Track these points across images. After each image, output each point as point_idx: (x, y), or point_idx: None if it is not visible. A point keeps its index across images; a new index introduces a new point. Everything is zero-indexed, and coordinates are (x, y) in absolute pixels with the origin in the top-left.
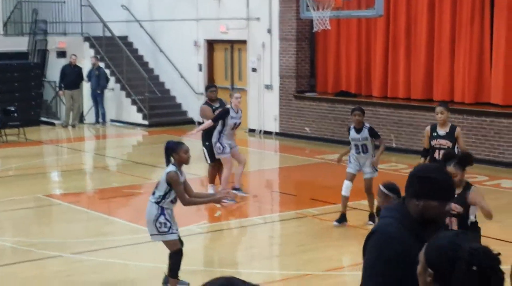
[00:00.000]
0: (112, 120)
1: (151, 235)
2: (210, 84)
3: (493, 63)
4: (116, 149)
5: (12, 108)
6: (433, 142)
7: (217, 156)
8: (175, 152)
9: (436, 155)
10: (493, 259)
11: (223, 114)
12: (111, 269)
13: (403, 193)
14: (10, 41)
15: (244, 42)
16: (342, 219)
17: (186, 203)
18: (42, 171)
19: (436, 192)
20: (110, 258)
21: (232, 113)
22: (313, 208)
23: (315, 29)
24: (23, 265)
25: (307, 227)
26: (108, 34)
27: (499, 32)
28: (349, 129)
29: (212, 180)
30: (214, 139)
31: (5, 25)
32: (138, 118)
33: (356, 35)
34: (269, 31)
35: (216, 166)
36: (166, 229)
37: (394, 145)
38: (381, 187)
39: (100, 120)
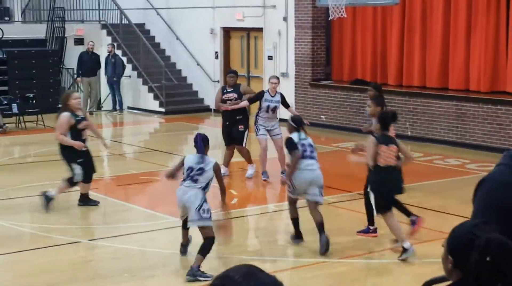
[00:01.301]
0: (129, 108)
1: (191, 221)
2: (231, 69)
3: (509, 51)
4: (133, 136)
5: (31, 95)
6: None
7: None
8: (208, 144)
9: None
10: (508, 251)
11: (258, 96)
12: (129, 256)
13: None
14: (29, 28)
15: (260, 29)
16: None
17: (225, 188)
18: (60, 158)
19: None
20: (128, 245)
21: (266, 96)
22: (328, 196)
23: (331, 17)
24: (42, 251)
25: (322, 215)
26: (125, 21)
27: None
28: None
29: (226, 163)
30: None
31: (23, 12)
32: (155, 105)
33: (372, 23)
34: (285, 19)
35: (229, 149)
36: (208, 215)
37: (409, 133)
38: (288, 118)
39: (117, 107)
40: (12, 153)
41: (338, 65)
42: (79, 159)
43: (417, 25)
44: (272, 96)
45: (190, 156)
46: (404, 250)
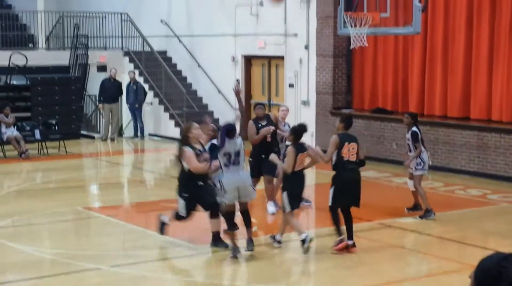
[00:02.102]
0: (150, 134)
1: (250, 196)
2: (257, 102)
3: None
4: (154, 163)
5: (53, 121)
6: None
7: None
8: (235, 130)
9: None
10: None
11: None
12: (148, 283)
13: None
14: (52, 55)
15: (281, 58)
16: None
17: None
18: (82, 184)
19: None
20: (147, 272)
21: (280, 126)
22: None
23: (352, 46)
24: (62, 277)
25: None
26: (147, 48)
27: None
28: None
29: (271, 196)
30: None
31: (47, 39)
32: (175, 132)
33: (393, 52)
34: (307, 47)
35: (255, 181)
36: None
37: (430, 163)
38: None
39: (139, 134)
40: (34, 179)
41: (359, 94)
42: (195, 191)
43: (439, 54)
44: (284, 126)
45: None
46: (303, 241)
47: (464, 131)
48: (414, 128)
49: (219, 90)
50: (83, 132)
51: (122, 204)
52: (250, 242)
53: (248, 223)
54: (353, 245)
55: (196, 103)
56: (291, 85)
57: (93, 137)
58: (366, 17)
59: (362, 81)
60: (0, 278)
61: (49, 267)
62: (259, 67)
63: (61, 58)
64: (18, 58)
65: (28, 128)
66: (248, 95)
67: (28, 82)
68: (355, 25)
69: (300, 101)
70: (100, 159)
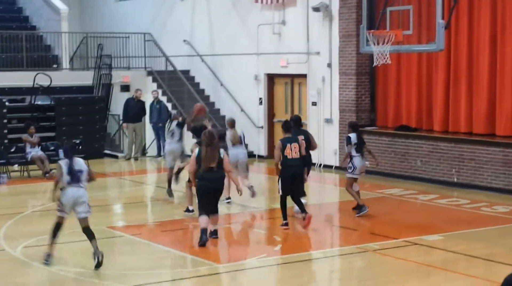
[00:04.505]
0: None
1: (83, 212)
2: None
3: None
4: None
5: (77, 141)
6: None
7: None
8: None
9: None
10: None
11: None
12: None
13: None
14: (76, 75)
15: (304, 76)
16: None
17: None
18: (105, 204)
19: None
20: None
21: None
22: (374, 243)
23: (375, 64)
24: None
25: (367, 262)
26: (170, 68)
27: None
28: None
29: None
30: None
31: (71, 59)
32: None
33: (417, 69)
34: (329, 65)
35: None
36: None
37: (455, 180)
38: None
39: (162, 153)
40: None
41: (383, 111)
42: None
43: (463, 70)
44: None
45: (65, 162)
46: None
47: (490, 147)
48: (350, 134)
49: (242, 108)
50: (106, 151)
51: (146, 223)
52: (95, 253)
53: (91, 237)
54: (305, 213)
55: (219, 122)
56: (314, 103)
57: (116, 157)
58: (389, 34)
59: (386, 98)
60: None
61: None
62: (282, 85)
63: (85, 78)
64: (42, 79)
65: (52, 148)
66: (271, 113)
67: (52, 102)
68: (378, 43)
69: (323, 119)
70: (124, 178)
